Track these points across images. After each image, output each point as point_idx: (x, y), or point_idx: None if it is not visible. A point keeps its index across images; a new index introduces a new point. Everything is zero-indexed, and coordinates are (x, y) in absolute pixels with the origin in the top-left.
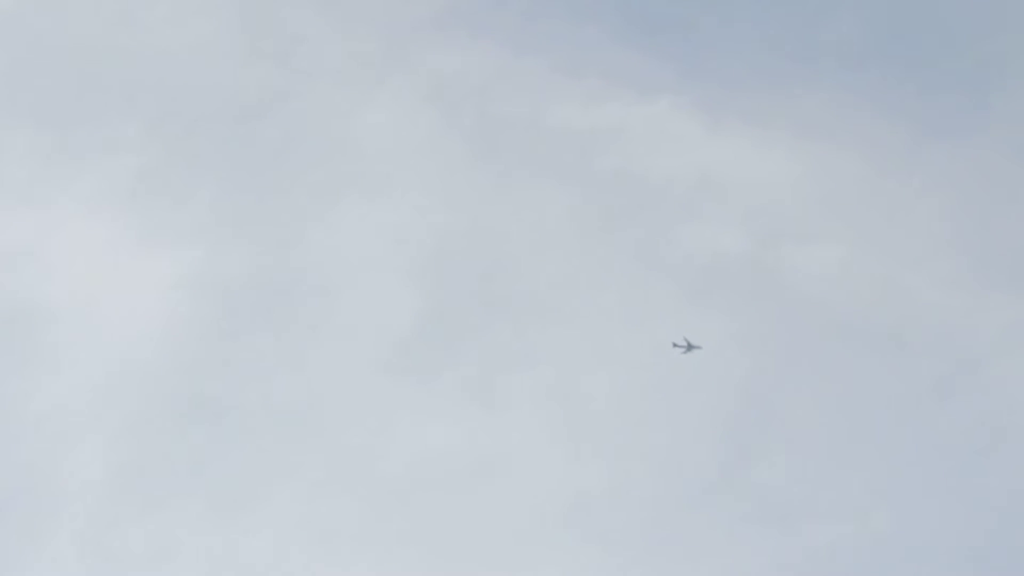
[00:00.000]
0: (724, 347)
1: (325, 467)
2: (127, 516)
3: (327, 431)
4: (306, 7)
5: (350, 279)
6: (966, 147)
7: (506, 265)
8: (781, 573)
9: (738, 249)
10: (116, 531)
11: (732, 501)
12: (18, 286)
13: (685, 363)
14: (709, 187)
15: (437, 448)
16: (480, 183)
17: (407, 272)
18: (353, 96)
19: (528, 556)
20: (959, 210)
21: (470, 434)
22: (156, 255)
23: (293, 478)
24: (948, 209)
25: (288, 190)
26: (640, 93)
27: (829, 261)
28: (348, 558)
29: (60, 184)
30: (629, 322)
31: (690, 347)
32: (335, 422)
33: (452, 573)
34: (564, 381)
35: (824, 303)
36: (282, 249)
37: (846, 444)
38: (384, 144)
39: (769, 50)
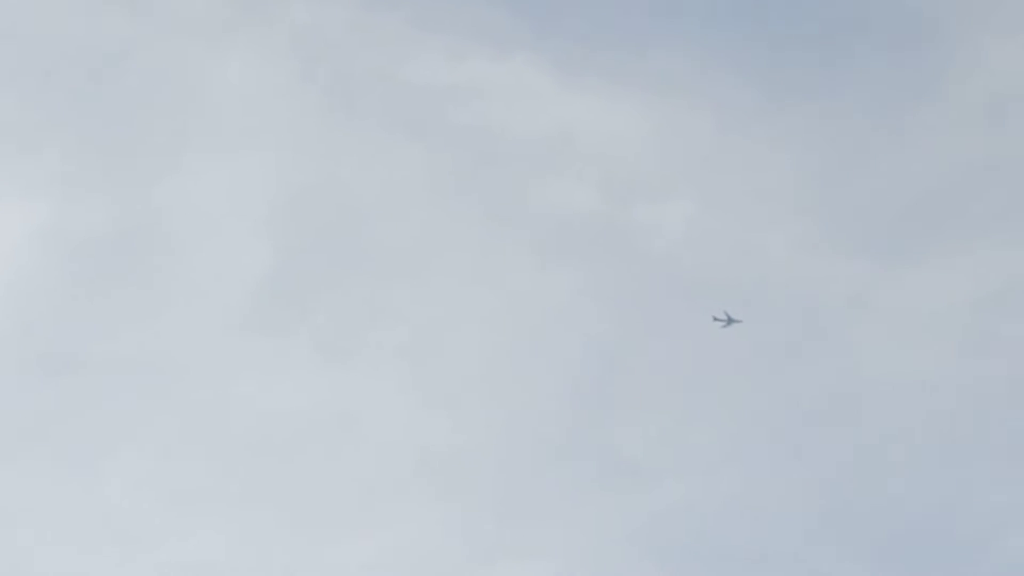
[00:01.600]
0: (576, 305)
1: (176, 422)
2: None
3: (178, 387)
4: None
5: (203, 234)
6: (818, 107)
7: (360, 221)
8: (630, 532)
9: (591, 207)
10: None
11: (583, 459)
12: None
13: (537, 321)
14: (563, 144)
15: (289, 404)
16: (335, 138)
17: (260, 227)
18: (208, 49)
19: (378, 513)
20: (810, 171)
21: (322, 391)
22: (4, 207)
23: (144, 434)
24: (799, 169)
25: (141, 143)
26: (496, 49)
27: (680, 219)
28: (199, 513)
29: None
30: (483, 279)
31: (730, 320)
32: (186, 378)
33: (302, 528)
34: (417, 338)
35: (675, 261)
36: (134, 203)
37: (696, 404)
38: (239, 98)
39: (624, 8)
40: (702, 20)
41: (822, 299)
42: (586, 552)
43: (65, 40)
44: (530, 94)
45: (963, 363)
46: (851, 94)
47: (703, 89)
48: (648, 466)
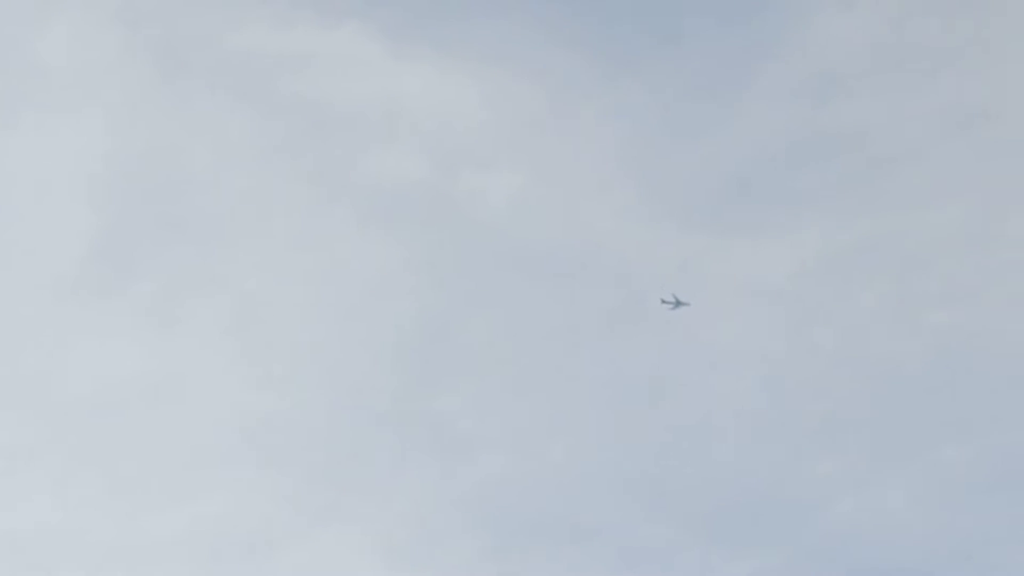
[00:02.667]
0: (403, 273)
1: (1, 387)
2: None
3: (3, 352)
4: None
5: (29, 199)
6: (647, 80)
7: (187, 187)
8: (454, 500)
9: (419, 176)
10: None
11: (408, 427)
12: None
13: (363, 289)
14: (392, 114)
15: (114, 370)
16: (163, 104)
17: (87, 192)
18: (34, 14)
19: (203, 478)
20: (638, 142)
21: (149, 356)
22: None
23: None
24: (627, 141)
25: None
26: (326, 18)
27: (508, 189)
28: (24, 478)
29: None
30: (310, 247)
31: (678, 303)
32: (11, 343)
33: (127, 494)
34: (244, 304)
35: (502, 231)
36: None
37: (523, 373)
38: (66, 64)
39: None
40: None
41: (649, 269)
42: (410, 520)
43: None
44: (359, 63)
45: (788, 333)
46: (680, 67)
47: (533, 60)
48: (473, 435)
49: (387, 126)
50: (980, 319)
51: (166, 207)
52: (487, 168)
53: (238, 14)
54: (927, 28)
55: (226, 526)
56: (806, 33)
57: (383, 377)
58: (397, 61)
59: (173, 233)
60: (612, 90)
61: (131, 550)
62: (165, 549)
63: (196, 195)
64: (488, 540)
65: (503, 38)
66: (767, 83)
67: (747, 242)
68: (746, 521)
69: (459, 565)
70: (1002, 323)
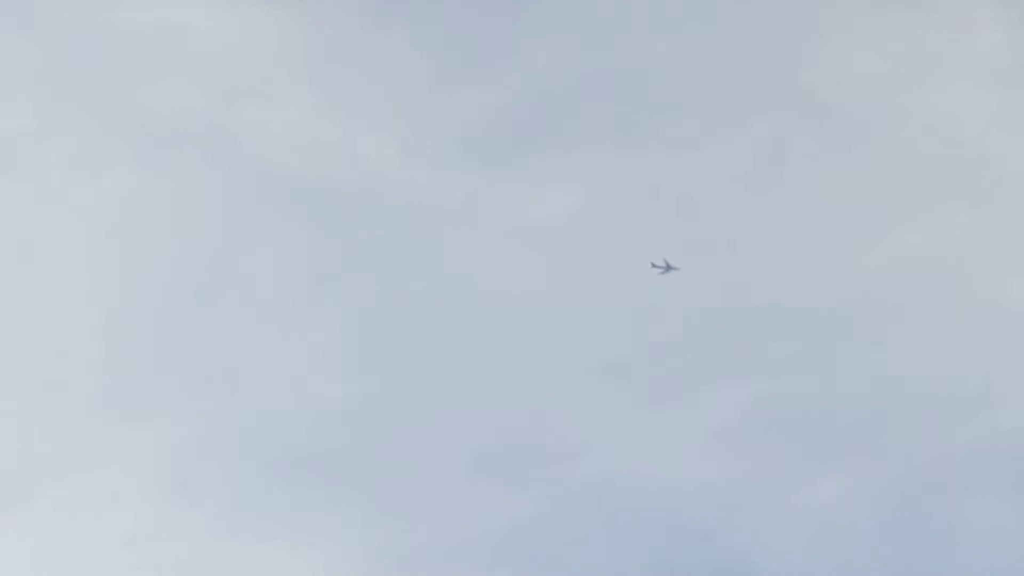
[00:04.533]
0: (179, 207)
1: None
2: None
3: None
4: None
5: None
6: (428, 14)
7: None
8: (229, 435)
9: (196, 106)
10: None
11: (183, 361)
12: None
13: (138, 222)
14: (172, 44)
15: None
16: None
17: None
18: None
19: None
20: (419, 77)
21: None
22: None
23: None
24: (408, 76)
25: None
26: None
27: (288, 123)
28: None
29: None
30: (85, 179)
31: (668, 268)
32: None
33: None
34: (15, 234)
35: (282, 165)
36: None
37: (300, 309)
38: None
39: None
40: None
41: (430, 206)
42: (181, 457)
43: None
44: None
45: (563, 273)
46: (463, 4)
47: None
48: (249, 369)
49: (166, 56)
50: (754, 264)
51: None
52: (268, 101)
53: None
54: None
55: None
56: None
57: (159, 311)
58: None
59: None
60: (394, 27)
61: None
62: None
63: None
64: (262, 476)
65: None
66: (548, 22)
67: (524, 182)
68: (515, 461)
69: (233, 499)
70: (776, 268)
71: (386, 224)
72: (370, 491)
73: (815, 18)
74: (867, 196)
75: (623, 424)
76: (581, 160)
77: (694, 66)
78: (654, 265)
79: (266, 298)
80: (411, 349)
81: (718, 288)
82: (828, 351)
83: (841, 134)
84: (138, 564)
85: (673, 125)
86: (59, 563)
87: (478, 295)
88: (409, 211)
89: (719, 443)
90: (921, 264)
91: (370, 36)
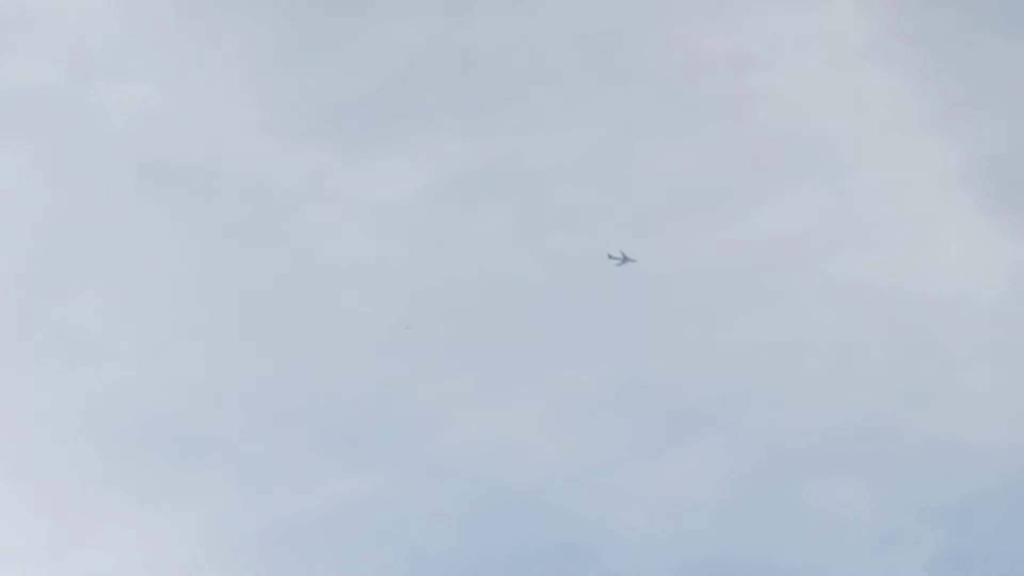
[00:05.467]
0: (28, 184)
1: None
2: None
3: None
4: None
5: None
6: None
7: None
8: (68, 410)
9: (48, 84)
10: None
11: (30, 338)
12: None
13: None
14: (21, 19)
15: None
16: None
17: None
18: None
19: None
20: (268, 55)
21: None
22: None
23: None
24: (257, 56)
25: None
26: None
27: (138, 100)
28: None
29: None
30: None
31: (625, 259)
32: None
33: None
34: None
35: (132, 142)
36: None
37: (149, 285)
38: None
39: None
40: None
41: (277, 184)
42: (22, 431)
43: None
44: None
45: (411, 253)
46: None
47: None
48: (97, 345)
49: (15, 32)
50: (603, 243)
51: None
52: (119, 78)
53: None
54: None
55: None
56: None
57: (3, 286)
58: None
59: None
60: (245, 6)
61: None
62: None
63: None
64: (109, 449)
65: None
66: (395, 1)
67: (373, 160)
68: (364, 438)
69: (84, 476)
70: (625, 247)
71: (235, 202)
72: (223, 469)
73: None
74: (715, 176)
75: (473, 402)
76: (430, 139)
77: (542, 45)
78: (611, 256)
79: (116, 275)
80: (261, 327)
81: (568, 266)
82: (678, 330)
83: (690, 113)
84: None
85: (522, 104)
86: None
87: (327, 273)
88: (258, 189)
89: (570, 421)
90: (771, 244)
91: (221, 14)
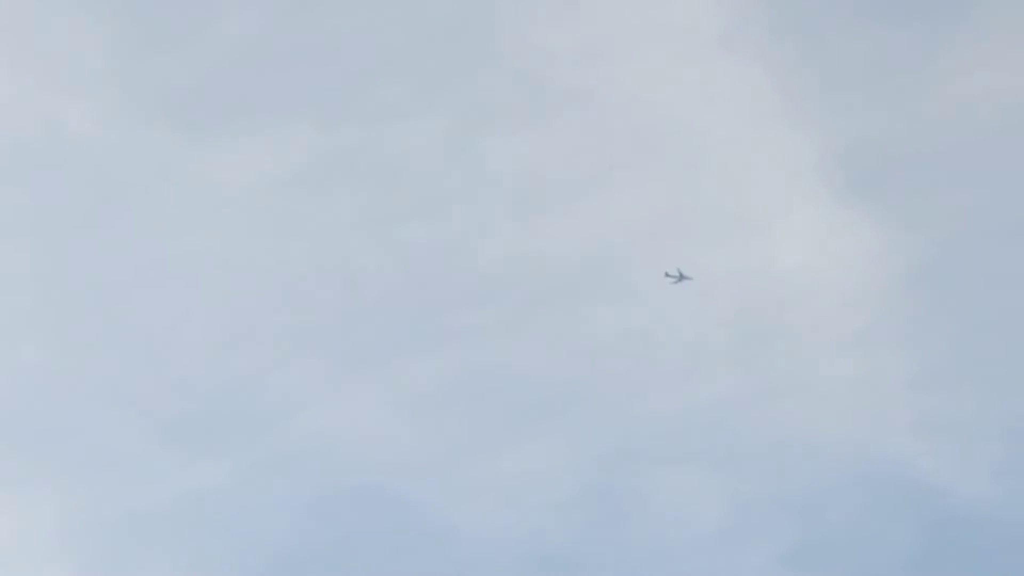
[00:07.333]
0: None
1: None
2: None
3: None
4: None
5: None
6: None
7: None
8: None
9: None
10: None
11: None
12: None
13: None
14: None
15: None
16: None
17: None
18: None
19: None
20: (119, 45)
21: None
22: None
23: None
24: (108, 43)
25: None
26: None
27: None
28: None
29: None
30: None
31: (681, 277)
32: None
33: None
34: None
35: None
36: None
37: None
38: None
39: None
40: None
41: (125, 173)
42: None
43: None
44: None
45: (262, 242)
46: None
47: None
48: None
49: None
50: (453, 233)
51: None
52: None
53: None
54: None
55: None
56: None
57: None
58: None
59: None
60: None
61: None
62: None
63: None
64: None
65: None
66: None
67: (224, 149)
68: (213, 430)
69: None
70: (475, 236)
71: (80, 191)
72: (64, 457)
73: None
74: (566, 166)
75: (319, 393)
76: (278, 128)
77: (393, 34)
78: (667, 275)
79: None
80: (106, 315)
81: (417, 256)
82: (526, 320)
83: (542, 103)
84: None
85: (372, 94)
86: None
87: (174, 262)
88: (104, 178)
89: (417, 411)
90: (617, 235)
91: (66, 4)
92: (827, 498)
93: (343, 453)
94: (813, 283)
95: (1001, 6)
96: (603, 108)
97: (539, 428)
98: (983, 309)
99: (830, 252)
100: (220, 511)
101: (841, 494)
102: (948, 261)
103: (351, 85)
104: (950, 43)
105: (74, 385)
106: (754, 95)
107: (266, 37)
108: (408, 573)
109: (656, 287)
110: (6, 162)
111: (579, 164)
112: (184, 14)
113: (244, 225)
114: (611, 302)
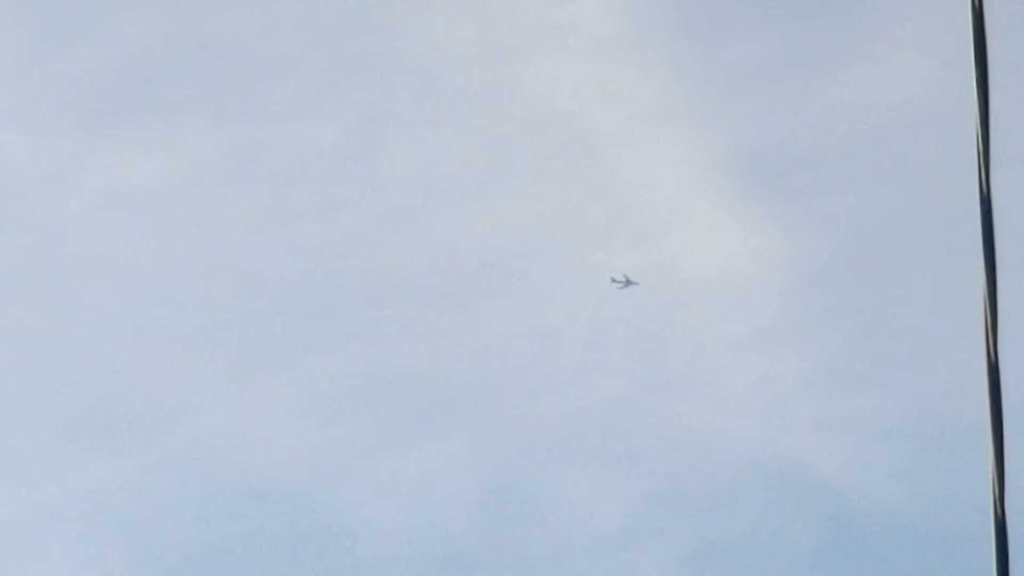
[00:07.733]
0: None
1: None
2: None
3: None
4: None
5: None
6: None
7: None
8: None
9: None
10: None
11: None
12: None
13: None
14: None
15: None
16: None
17: None
18: None
19: None
20: (11, 45)
21: None
22: None
23: None
24: (4, 39)
25: None
26: None
27: None
28: None
29: None
30: None
31: (628, 283)
32: None
33: None
34: None
35: None
36: None
37: None
38: None
39: None
40: None
41: (21, 173)
42: None
43: None
44: None
45: (159, 242)
46: None
47: None
48: None
49: None
50: (350, 232)
51: None
52: None
53: None
54: None
55: None
56: None
57: None
58: None
59: None
60: None
61: None
62: None
63: None
64: None
65: None
66: None
67: (117, 150)
68: (107, 429)
69: None
70: (373, 236)
71: None
72: None
73: None
74: (463, 166)
75: (217, 392)
76: (175, 127)
77: (288, 31)
78: (613, 280)
79: None
80: (1, 314)
81: (314, 256)
82: (424, 320)
83: (438, 103)
84: None
85: (268, 91)
86: None
87: (70, 262)
88: (1, 178)
89: (314, 411)
90: (516, 235)
91: None
92: (728, 497)
93: (243, 452)
94: (713, 282)
95: (907, 3)
96: (501, 107)
97: (438, 428)
98: (885, 309)
99: (731, 251)
100: (118, 510)
101: (742, 493)
102: (851, 260)
103: (248, 84)
104: (856, 41)
105: None
106: (654, 94)
107: (162, 36)
108: (308, 574)
109: (551, 288)
110: None
111: (476, 164)
112: (79, 12)
113: (140, 224)
114: (507, 302)
